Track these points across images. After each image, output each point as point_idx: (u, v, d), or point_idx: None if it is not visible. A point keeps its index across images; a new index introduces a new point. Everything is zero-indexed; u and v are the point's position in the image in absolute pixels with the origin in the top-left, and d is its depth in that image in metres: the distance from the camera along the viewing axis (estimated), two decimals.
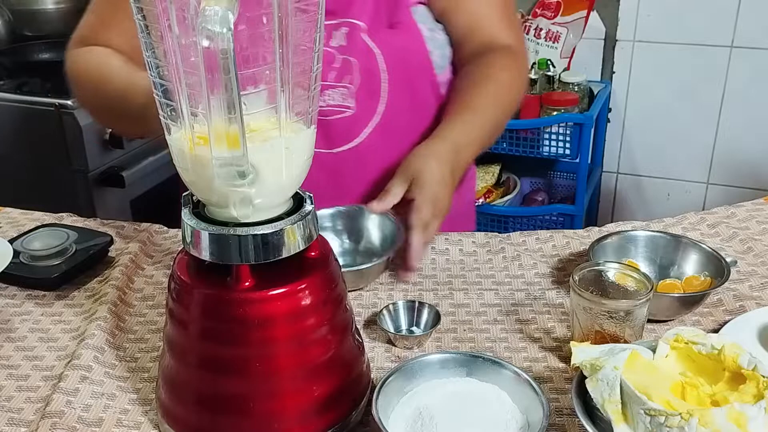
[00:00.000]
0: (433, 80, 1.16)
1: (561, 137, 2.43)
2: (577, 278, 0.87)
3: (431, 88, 1.17)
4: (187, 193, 0.74)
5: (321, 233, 0.88)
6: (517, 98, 1.20)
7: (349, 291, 0.80)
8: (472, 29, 1.16)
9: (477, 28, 1.16)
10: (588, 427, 0.68)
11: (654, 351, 0.74)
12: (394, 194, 1.02)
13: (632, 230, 1.07)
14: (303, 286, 0.72)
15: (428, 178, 1.02)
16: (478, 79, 1.15)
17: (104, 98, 1.08)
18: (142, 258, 1.11)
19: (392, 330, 0.92)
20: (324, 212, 1.08)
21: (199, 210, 0.73)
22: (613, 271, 0.89)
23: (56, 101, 1.77)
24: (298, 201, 0.75)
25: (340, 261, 0.80)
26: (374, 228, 1.08)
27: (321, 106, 1.12)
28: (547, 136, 2.45)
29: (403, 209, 1.02)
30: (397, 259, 1.02)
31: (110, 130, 1.81)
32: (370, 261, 1.02)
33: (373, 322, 0.95)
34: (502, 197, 2.63)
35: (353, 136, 1.14)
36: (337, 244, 1.09)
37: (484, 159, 2.56)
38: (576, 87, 2.46)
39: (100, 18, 1.15)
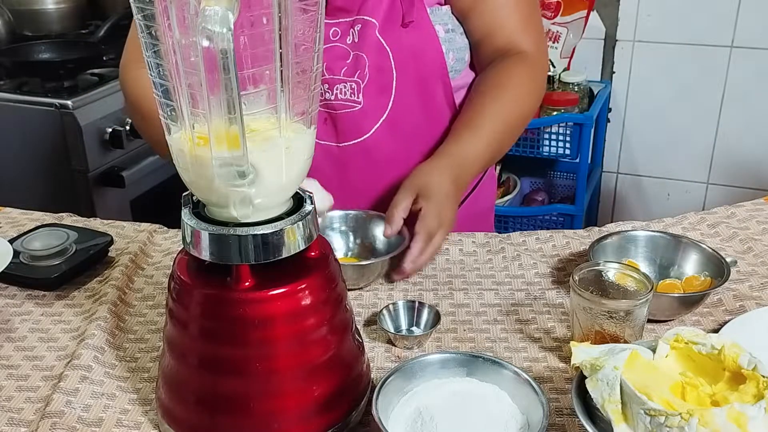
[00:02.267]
0: (446, 81, 1.15)
1: (561, 137, 2.43)
2: (577, 278, 0.87)
3: (443, 89, 1.16)
4: (187, 193, 0.74)
5: (328, 235, 0.89)
6: (531, 108, 1.19)
7: (349, 290, 0.80)
8: (490, 32, 1.15)
9: (495, 31, 1.15)
10: (588, 427, 0.68)
11: (654, 351, 0.74)
12: (403, 208, 1.03)
13: (632, 230, 1.07)
14: (303, 286, 0.72)
15: (435, 190, 1.03)
16: (488, 92, 1.14)
17: (153, 132, 1.09)
18: (142, 258, 1.11)
19: (392, 330, 0.92)
20: (332, 214, 1.09)
21: (199, 210, 0.73)
22: (613, 271, 0.89)
23: (56, 101, 1.77)
24: (298, 201, 0.75)
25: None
26: (380, 233, 1.08)
27: (330, 100, 1.13)
28: (547, 136, 2.45)
29: (409, 221, 1.03)
30: (396, 259, 1.02)
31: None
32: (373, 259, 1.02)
33: (373, 322, 0.95)
34: (502, 197, 2.63)
35: (361, 131, 1.14)
36: (342, 245, 1.10)
37: None
38: (576, 87, 2.46)
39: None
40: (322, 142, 1.15)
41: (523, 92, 1.16)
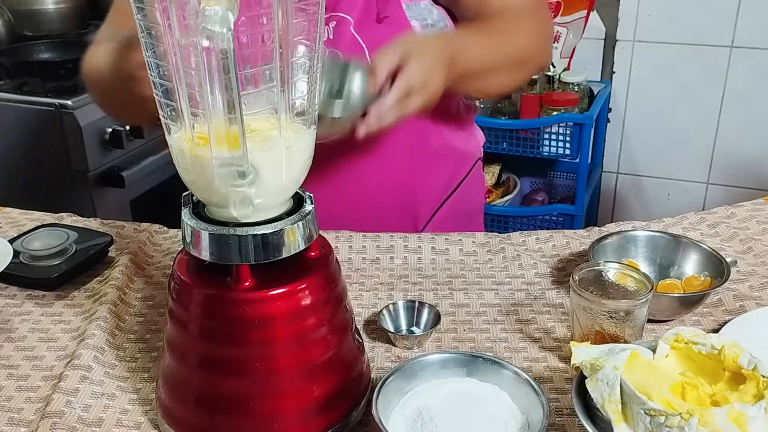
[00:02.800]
0: None
1: (561, 137, 2.43)
2: (577, 278, 0.87)
3: None
4: (187, 193, 0.74)
5: None
6: (538, 58, 1.15)
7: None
8: (483, 3, 1.12)
9: (488, 2, 1.12)
10: (588, 427, 0.68)
11: (654, 351, 0.74)
12: (389, 60, 0.93)
13: (632, 230, 1.07)
14: (303, 286, 0.72)
15: (427, 52, 0.96)
16: (490, 19, 1.11)
17: (102, 88, 1.08)
18: (142, 258, 1.11)
19: (392, 330, 0.92)
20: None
21: (199, 210, 0.73)
22: (613, 271, 0.89)
23: (56, 101, 1.77)
24: (298, 201, 0.75)
25: None
26: (356, 87, 0.96)
27: None
28: (547, 136, 2.45)
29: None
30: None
31: (126, 123, 1.80)
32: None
33: (373, 322, 0.95)
34: (502, 197, 2.63)
35: None
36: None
37: (484, 159, 2.56)
38: (576, 87, 2.46)
39: (112, 25, 1.15)
40: None
41: (532, 33, 1.13)
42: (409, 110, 0.95)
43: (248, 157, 0.65)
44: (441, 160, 1.21)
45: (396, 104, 0.92)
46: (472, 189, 1.32)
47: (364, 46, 1.10)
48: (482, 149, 1.35)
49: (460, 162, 1.27)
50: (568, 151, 2.44)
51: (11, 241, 1.05)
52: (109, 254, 1.11)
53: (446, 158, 1.23)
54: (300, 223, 0.71)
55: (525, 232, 1.17)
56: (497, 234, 1.16)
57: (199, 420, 0.74)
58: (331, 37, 1.10)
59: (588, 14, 2.49)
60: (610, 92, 2.64)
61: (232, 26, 0.59)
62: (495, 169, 2.69)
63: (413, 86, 0.93)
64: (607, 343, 0.80)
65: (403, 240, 1.13)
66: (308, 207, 0.73)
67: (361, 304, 0.99)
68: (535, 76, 2.43)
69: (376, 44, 1.09)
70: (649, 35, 2.55)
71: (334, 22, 1.10)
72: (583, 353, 0.73)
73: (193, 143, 0.68)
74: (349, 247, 1.12)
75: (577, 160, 2.45)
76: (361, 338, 0.82)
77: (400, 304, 0.95)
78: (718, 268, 0.97)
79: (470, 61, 1.05)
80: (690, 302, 0.95)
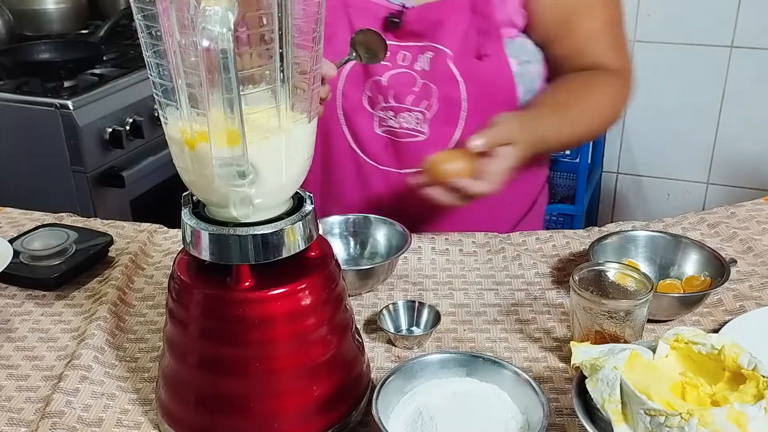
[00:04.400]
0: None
1: None
2: (577, 278, 0.87)
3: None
4: (187, 193, 0.74)
5: (329, 239, 0.88)
6: (616, 110, 1.17)
7: (350, 295, 0.80)
8: (578, 52, 1.12)
9: (584, 51, 1.12)
10: (588, 427, 0.68)
11: (654, 351, 0.74)
12: (492, 135, 0.97)
13: (632, 230, 1.07)
14: (303, 286, 0.72)
15: (512, 125, 0.99)
16: (573, 80, 1.12)
17: None
18: (142, 258, 1.11)
19: (392, 330, 0.92)
20: (332, 219, 1.08)
21: (199, 210, 0.73)
22: (613, 271, 0.89)
23: (56, 101, 1.77)
24: (298, 201, 0.75)
25: (345, 266, 0.79)
26: (381, 236, 1.08)
27: (394, 128, 1.12)
28: None
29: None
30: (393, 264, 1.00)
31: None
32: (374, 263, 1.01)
33: (373, 322, 0.95)
34: None
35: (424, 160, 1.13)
36: (343, 250, 1.08)
37: None
38: None
39: None
40: (383, 168, 1.14)
41: (615, 95, 1.14)
42: (507, 158, 0.97)
43: (248, 157, 0.65)
44: (522, 178, 1.15)
45: (490, 144, 0.96)
46: (542, 205, 1.33)
47: (460, 80, 1.08)
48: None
49: (536, 179, 1.28)
50: (568, 151, 2.44)
51: (11, 241, 1.05)
52: (109, 254, 1.11)
53: (528, 178, 1.21)
54: (300, 223, 0.71)
55: (525, 232, 1.17)
56: (497, 234, 1.16)
57: (199, 420, 0.74)
58: (426, 68, 1.09)
59: None
60: None
61: (232, 26, 0.59)
62: None
63: (498, 137, 0.96)
64: (607, 343, 0.80)
65: None
66: (308, 207, 0.73)
67: (361, 304, 0.99)
68: None
69: (474, 80, 1.08)
70: (649, 35, 2.55)
71: (431, 53, 1.08)
72: (583, 353, 0.73)
73: (193, 143, 0.68)
74: None
75: (577, 160, 2.45)
76: (361, 338, 0.82)
77: (400, 304, 0.95)
78: (718, 268, 0.97)
79: (550, 143, 1.09)
80: (690, 302, 0.95)
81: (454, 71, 1.08)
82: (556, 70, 1.15)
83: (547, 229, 1.22)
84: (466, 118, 1.10)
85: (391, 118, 1.11)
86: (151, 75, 0.68)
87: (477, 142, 0.96)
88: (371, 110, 1.12)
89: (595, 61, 1.14)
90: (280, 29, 0.65)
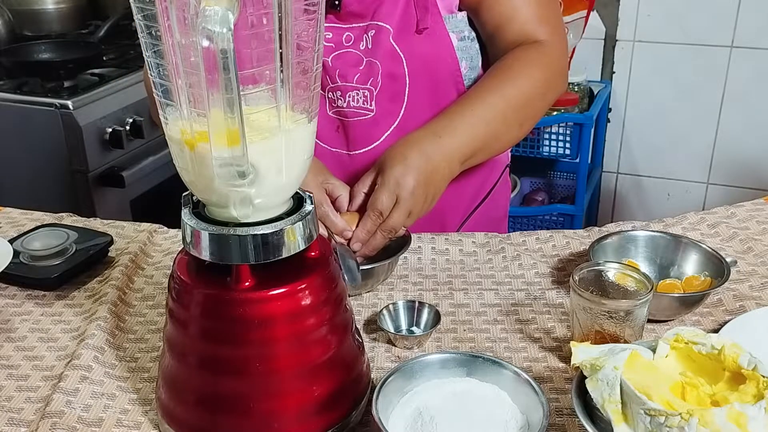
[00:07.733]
0: (460, 88, 1.13)
1: (561, 137, 2.43)
2: (577, 278, 0.87)
3: (457, 96, 1.13)
4: (187, 193, 0.74)
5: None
6: (540, 92, 1.12)
7: (350, 295, 0.80)
8: (504, 23, 1.12)
9: (508, 22, 1.11)
10: (588, 427, 0.68)
11: (654, 351, 0.74)
12: (364, 183, 1.00)
13: (632, 230, 1.07)
14: (303, 286, 0.72)
15: (390, 164, 0.98)
16: (491, 73, 1.11)
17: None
18: (142, 258, 1.11)
19: (392, 330, 0.92)
20: None
21: (199, 210, 0.73)
22: (613, 271, 0.89)
23: (56, 101, 1.77)
24: (298, 201, 0.75)
25: None
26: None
27: (343, 107, 1.12)
28: (547, 136, 2.45)
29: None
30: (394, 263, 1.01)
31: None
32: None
33: (373, 322, 0.95)
34: None
35: (372, 139, 1.13)
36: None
37: None
38: (576, 87, 2.46)
39: None
40: (334, 150, 1.15)
41: (531, 74, 1.10)
42: (395, 225, 0.98)
43: (248, 157, 0.65)
44: (471, 168, 1.15)
45: (366, 231, 0.98)
46: (501, 196, 1.32)
47: (402, 56, 1.09)
48: (509, 155, 1.34)
49: (490, 170, 1.26)
50: (568, 151, 2.44)
51: (11, 241, 1.05)
52: (109, 254, 1.11)
53: (476, 166, 1.19)
54: (300, 223, 0.71)
55: (525, 232, 1.17)
56: (497, 234, 1.16)
57: (199, 420, 0.74)
58: (369, 46, 1.09)
59: (588, 14, 2.48)
60: (610, 92, 2.64)
61: (232, 26, 0.59)
62: None
63: (381, 207, 0.97)
64: (607, 343, 0.80)
65: None
66: (308, 207, 0.73)
67: (361, 304, 0.99)
68: None
69: (415, 55, 1.09)
70: (649, 35, 2.55)
71: (373, 31, 1.09)
72: (583, 353, 0.73)
73: (193, 143, 0.68)
74: None
75: (577, 160, 2.45)
76: (361, 338, 0.82)
77: (400, 304, 0.95)
78: (718, 268, 0.97)
79: (459, 143, 1.03)
80: (690, 302, 0.95)
81: (396, 47, 1.09)
82: (489, 44, 1.15)
83: (547, 229, 1.22)
84: (409, 94, 1.11)
85: (339, 99, 1.12)
86: (151, 75, 0.68)
87: (356, 246, 0.98)
88: (321, 92, 1.12)
89: (522, 29, 1.12)
90: (280, 29, 0.65)
